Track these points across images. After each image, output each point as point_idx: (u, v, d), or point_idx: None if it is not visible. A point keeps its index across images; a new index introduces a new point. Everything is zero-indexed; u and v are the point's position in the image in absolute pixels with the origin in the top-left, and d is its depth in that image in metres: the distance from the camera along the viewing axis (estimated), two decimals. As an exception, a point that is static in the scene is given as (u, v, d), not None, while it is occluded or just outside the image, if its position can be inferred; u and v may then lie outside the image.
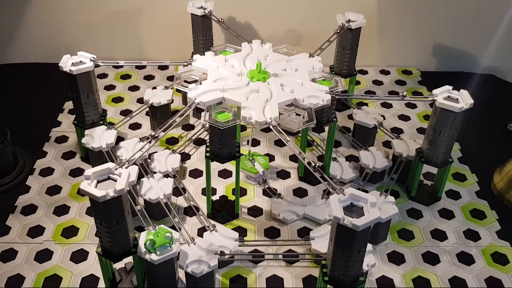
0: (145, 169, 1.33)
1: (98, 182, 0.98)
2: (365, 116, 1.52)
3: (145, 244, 1.03)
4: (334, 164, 1.44)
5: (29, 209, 1.34)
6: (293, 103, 1.22)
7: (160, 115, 1.57)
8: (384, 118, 1.63)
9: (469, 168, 1.52)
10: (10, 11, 1.85)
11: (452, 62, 1.96)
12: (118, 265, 1.17)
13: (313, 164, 1.07)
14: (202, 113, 1.18)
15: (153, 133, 1.17)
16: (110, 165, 1.00)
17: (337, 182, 1.40)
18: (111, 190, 0.95)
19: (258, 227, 1.31)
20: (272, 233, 1.30)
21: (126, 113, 1.68)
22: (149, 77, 1.89)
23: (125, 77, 1.89)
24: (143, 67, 1.93)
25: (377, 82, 1.90)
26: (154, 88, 1.61)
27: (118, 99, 1.77)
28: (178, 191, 1.37)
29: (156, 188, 1.28)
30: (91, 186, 0.96)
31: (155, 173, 1.35)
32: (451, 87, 1.26)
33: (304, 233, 1.29)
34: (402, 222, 1.34)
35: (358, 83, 1.87)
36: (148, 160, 1.41)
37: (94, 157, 1.39)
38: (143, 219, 1.10)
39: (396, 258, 1.25)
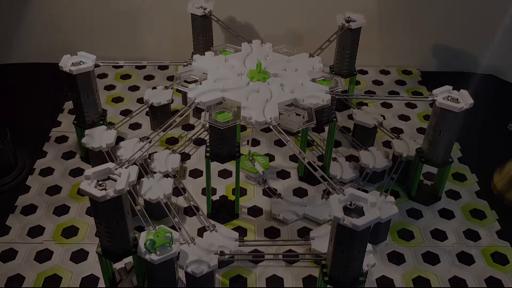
0: (145, 169, 1.33)
1: (98, 182, 0.99)
2: (365, 116, 1.52)
3: (145, 244, 1.03)
4: (334, 164, 1.44)
5: (29, 209, 1.34)
6: (293, 103, 1.22)
7: (160, 115, 1.57)
8: (384, 118, 1.63)
9: (469, 168, 1.52)
10: (10, 11, 1.85)
11: (452, 62, 1.96)
12: (118, 265, 1.17)
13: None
14: (202, 113, 1.18)
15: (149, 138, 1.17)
16: (110, 165, 1.00)
17: (337, 182, 1.40)
18: (111, 190, 0.95)
19: (258, 227, 1.31)
20: (272, 233, 1.30)
21: (126, 113, 1.68)
22: (149, 77, 1.89)
23: (125, 77, 1.89)
24: (143, 67, 1.93)
25: (377, 82, 1.90)
26: (154, 88, 1.61)
27: (118, 99, 1.76)
28: (178, 191, 1.37)
29: (156, 188, 1.28)
30: (91, 186, 0.96)
31: (155, 173, 1.35)
32: (451, 87, 1.26)
33: (304, 233, 1.29)
34: (402, 222, 1.34)
35: (358, 83, 1.86)
36: (148, 160, 1.41)
37: (94, 157, 1.39)
38: (143, 219, 1.10)
39: (396, 258, 1.25)
